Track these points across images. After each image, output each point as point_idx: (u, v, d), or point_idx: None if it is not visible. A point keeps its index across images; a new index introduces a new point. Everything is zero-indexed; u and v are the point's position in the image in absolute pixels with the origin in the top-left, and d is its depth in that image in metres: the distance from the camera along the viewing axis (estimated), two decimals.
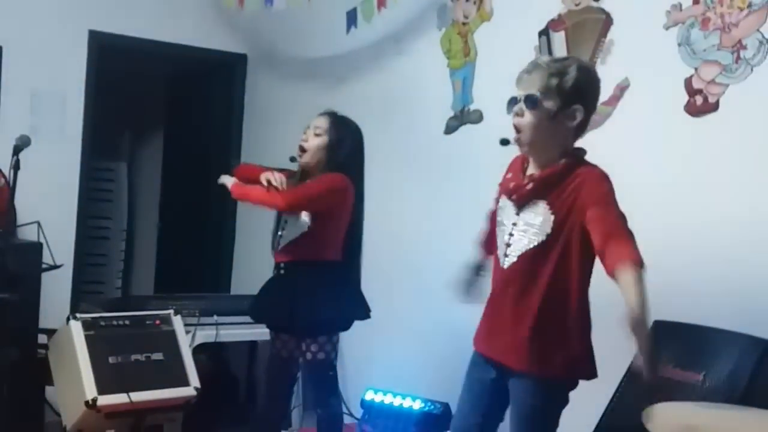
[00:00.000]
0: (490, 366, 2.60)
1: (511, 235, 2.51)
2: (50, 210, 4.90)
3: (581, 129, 2.49)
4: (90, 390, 3.79)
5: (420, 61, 4.53)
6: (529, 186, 2.46)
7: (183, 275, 6.37)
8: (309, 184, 3.47)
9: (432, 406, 3.97)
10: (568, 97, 2.40)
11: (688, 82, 3.29)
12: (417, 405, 4.02)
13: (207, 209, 6.21)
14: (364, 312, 3.60)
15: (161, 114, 7.16)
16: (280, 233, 3.53)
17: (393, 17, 4.60)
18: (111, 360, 3.93)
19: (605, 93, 3.52)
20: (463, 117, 4.26)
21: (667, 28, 3.37)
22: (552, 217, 2.42)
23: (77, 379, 3.84)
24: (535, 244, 2.45)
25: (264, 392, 3.66)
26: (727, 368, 2.94)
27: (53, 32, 5.36)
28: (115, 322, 4.08)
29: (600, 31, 3.60)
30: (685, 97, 3.30)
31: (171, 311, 4.22)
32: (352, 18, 4.70)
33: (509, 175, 2.59)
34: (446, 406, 3.94)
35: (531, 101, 2.41)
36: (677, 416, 2.26)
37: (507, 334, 2.52)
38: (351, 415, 4.47)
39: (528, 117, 2.42)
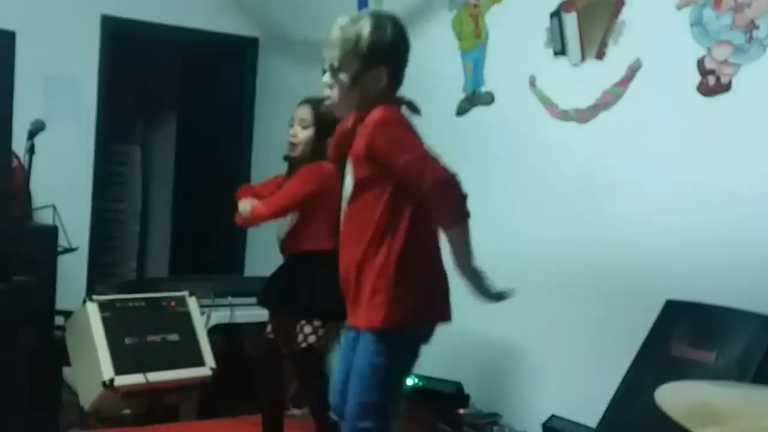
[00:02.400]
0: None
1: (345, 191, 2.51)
2: (65, 194, 4.91)
3: (395, 84, 2.45)
4: (107, 370, 3.84)
5: (431, 43, 4.50)
6: (334, 142, 2.52)
7: (197, 257, 6.39)
8: (287, 185, 3.45)
9: (444, 385, 3.98)
10: (366, 59, 2.36)
11: (700, 63, 3.28)
12: (429, 385, 4.03)
13: (219, 192, 6.22)
14: None
15: (174, 98, 7.17)
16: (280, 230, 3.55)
17: None
18: (127, 341, 3.98)
19: (618, 74, 3.55)
20: (474, 99, 4.26)
21: (679, 8, 3.35)
22: (351, 167, 2.42)
23: (94, 360, 3.89)
24: (347, 196, 2.45)
25: (258, 377, 3.65)
26: (739, 347, 2.94)
27: (66, 18, 5.37)
28: (130, 304, 4.14)
29: (612, 12, 3.59)
30: (698, 78, 3.29)
31: (186, 293, 4.25)
32: (363, 0, 4.68)
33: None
34: (459, 385, 3.96)
35: (331, 71, 2.39)
36: (690, 395, 2.26)
37: (349, 292, 2.50)
38: None
39: (335, 87, 2.40)
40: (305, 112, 3.50)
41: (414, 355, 2.49)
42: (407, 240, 2.37)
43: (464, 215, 2.33)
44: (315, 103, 3.49)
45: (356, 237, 2.42)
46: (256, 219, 3.47)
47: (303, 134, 3.48)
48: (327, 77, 2.41)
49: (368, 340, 2.41)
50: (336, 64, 2.37)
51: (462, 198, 2.33)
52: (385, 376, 2.42)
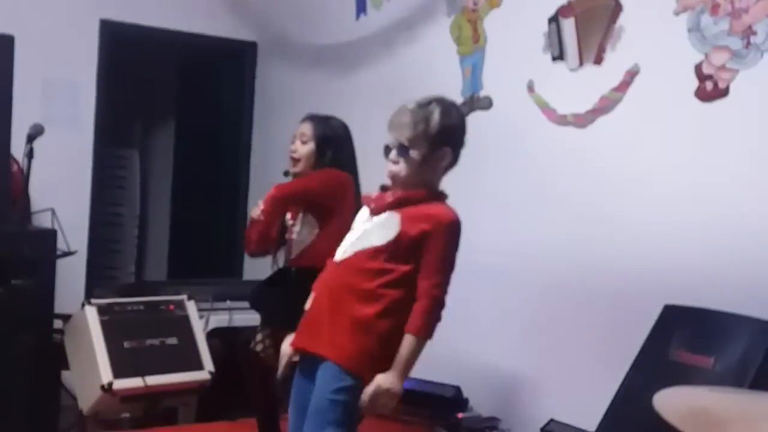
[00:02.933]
0: (307, 362, 2.62)
1: (358, 238, 2.63)
2: (64, 197, 4.90)
3: (451, 165, 2.65)
4: (106, 374, 3.83)
5: (429, 48, 4.52)
6: (390, 199, 2.62)
7: (196, 260, 6.38)
8: (303, 178, 3.47)
9: (443, 389, 3.98)
10: (435, 141, 2.57)
11: (698, 68, 3.29)
12: (428, 389, 4.03)
13: (218, 195, 6.23)
14: None
15: (172, 102, 7.15)
16: (292, 237, 3.50)
17: (402, 4, 4.61)
18: (126, 345, 3.97)
19: (615, 79, 3.56)
20: (472, 103, 4.26)
21: (677, 13, 3.37)
22: (398, 229, 2.55)
23: (93, 364, 3.88)
24: (375, 244, 2.56)
25: (246, 384, 3.64)
26: (738, 352, 2.95)
27: (64, 22, 5.34)
28: (129, 308, 4.13)
29: (610, 18, 3.60)
30: (696, 83, 3.30)
31: (184, 296, 4.25)
32: (361, 5, 4.69)
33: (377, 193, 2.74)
34: (458, 390, 3.96)
35: (401, 151, 2.58)
36: (688, 400, 2.26)
37: (324, 324, 2.59)
38: None
39: (402, 164, 2.59)
40: (306, 128, 3.51)
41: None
42: (405, 308, 2.53)
43: (430, 334, 2.52)
44: (315, 120, 3.53)
45: (361, 276, 2.56)
46: (268, 201, 3.42)
47: (303, 149, 3.49)
48: (394, 154, 2.60)
49: (334, 374, 2.51)
50: (406, 143, 2.57)
51: (438, 321, 2.53)
52: (346, 415, 2.51)
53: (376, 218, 2.62)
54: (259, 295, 3.65)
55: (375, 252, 2.55)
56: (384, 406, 2.48)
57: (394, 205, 2.59)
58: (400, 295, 2.53)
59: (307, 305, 2.68)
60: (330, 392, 2.50)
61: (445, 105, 2.64)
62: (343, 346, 2.52)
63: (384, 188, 2.69)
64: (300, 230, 3.48)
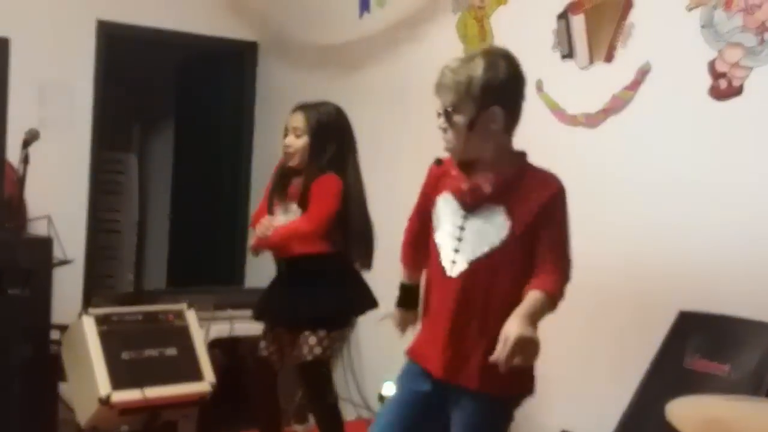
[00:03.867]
0: (427, 379, 2.46)
1: (459, 240, 2.40)
2: (60, 204, 4.88)
3: (511, 126, 2.41)
4: (104, 386, 3.79)
5: (435, 46, 4.46)
6: (488, 189, 2.38)
7: (196, 268, 6.33)
8: (317, 201, 3.36)
9: None
10: (481, 101, 2.32)
11: (711, 65, 3.23)
12: None
13: (219, 201, 6.17)
14: (367, 305, 3.53)
15: (171, 104, 7.12)
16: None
17: (406, 1, 4.55)
18: (124, 356, 3.93)
19: (627, 77, 3.48)
20: None
21: (689, 9, 3.30)
22: (508, 224, 2.35)
23: (90, 376, 3.84)
24: (488, 250, 2.36)
25: (251, 394, 3.60)
26: (753, 360, 2.90)
27: (61, 23, 5.31)
28: (127, 317, 4.09)
29: (620, 14, 3.54)
30: (709, 81, 3.24)
31: (184, 306, 4.21)
32: (364, 3, 4.66)
33: (450, 177, 2.47)
34: None
35: (446, 115, 2.37)
36: (701, 410, 2.22)
37: (455, 348, 2.39)
38: (369, 409, 4.43)
39: (449, 132, 2.38)
40: (298, 120, 3.46)
41: None
42: None
43: (557, 304, 2.38)
44: (307, 110, 3.47)
45: (495, 297, 2.37)
46: (299, 236, 3.36)
47: (298, 143, 3.44)
48: (442, 121, 2.38)
49: (492, 407, 2.42)
50: (450, 108, 2.34)
51: (563, 295, 2.41)
52: None
53: (474, 218, 2.38)
54: (261, 304, 3.60)
55: (488, 260, 2.35)
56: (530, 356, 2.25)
57: (497, 195, 2.35)
58: (511, 286, 2.34)
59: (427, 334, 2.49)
60: (479, 418, 2.44)
61: (491, 57, 2.35)
62: (486, 373, 2.34)
63: (439, 161, 2.49)
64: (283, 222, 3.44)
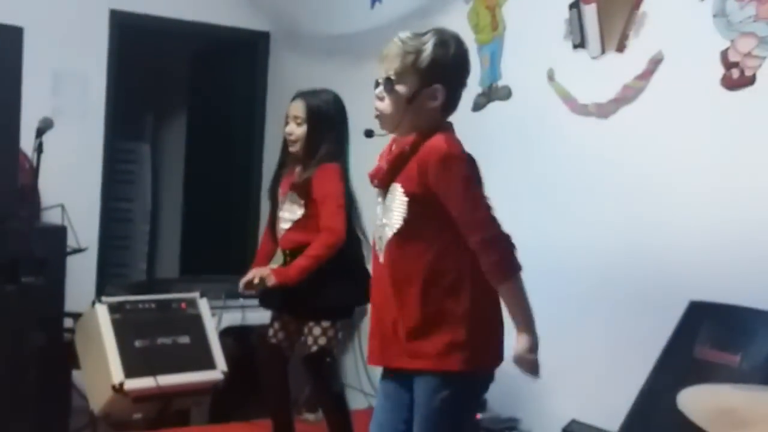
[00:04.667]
0: (391, 375, 2.46)
1: (381, 225, 2.40)
2: (74, 193, 4.87)
3: (449, 106, 2.39)
4: (117, 374, 3.82)
5: None
6: (384, 168, 2.38)
7: (208, 257, 6.33)
8: (329, 203, 3.37)
9: None
10: (425, 76, 2.31)
11: (724, 55, 3.20)
12: None
13: (231, 190, 6.17)
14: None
15: (184, 94, 7.12)
16: (282, 223, 3.50)
17: None
18: (137, 344, 3.96)
19: (639, 67, 3.46)
20: (491, 93, 4.18)
21: None
22: (406, 199, 2.32)
23: (104, 363, 3.86)
24: (395, 229, 2.34)
25: (261, 381, 3.59)
26: (765, 350, 2.88)
27: (74, 12, 5.31)
28: (140, 306, 4.12)
29: (633, 3, 3.51)
30: (721, 71, 3.21)
31: (197, 294, 4.23)
32: None
33: (377, 163, 2.47)
34: None
35: (387, 84, 2.34)
36: (713, 399, 2.21)
37: (390, 334, 2.38)
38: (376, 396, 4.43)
39: (387, 100, 2.35)
40: (298, 109, 3.48)
41: (477, 401, 2.52)
42: (477, 281, 2.32)
43: (515, 274, 2.30)
44: (307, 97, 3.50)
45: (409, 275, 2.34)
46: (330, 251, 3.33)
47: (299, 131, 3.47)
48: (380, 90, 2.36)
49: (435, 385, 2.33)
50: (393, 77, 2.33)
51: (510, 254, 2.30)
52: (454, 423, 2.37)
53: (386, 200, 2.37)
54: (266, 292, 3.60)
55: (398, 239, 2.32)
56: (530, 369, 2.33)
57: (394, 171, 2.33)
58: (424, 262, 2.31)
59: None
60: (425, 397, 2.37)
61: (443, 36, 2.35)
62: (440, 352, 2.33)
63: (369, 133, 2.47)
64: (284, 214, 3.47)
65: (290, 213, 3.47)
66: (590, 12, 3.69)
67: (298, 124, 3.45)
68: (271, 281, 3.35)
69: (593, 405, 3.51)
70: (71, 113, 5.20)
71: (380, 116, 2.39)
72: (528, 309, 2.32)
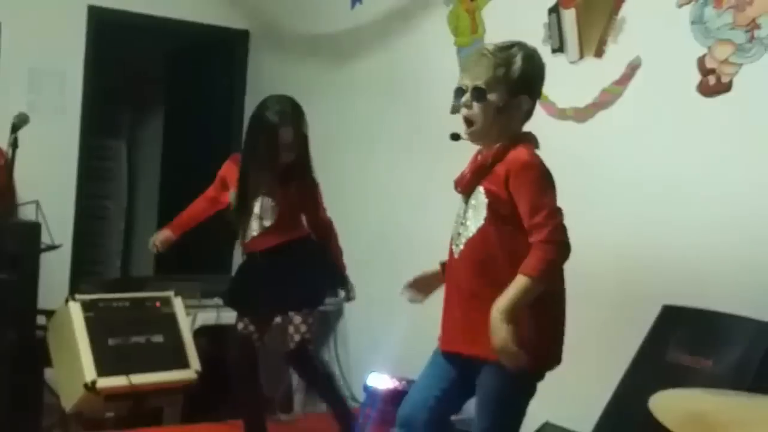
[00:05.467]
0: (455, 363, 2.56)
1: (462, 224, 2.54)
2: (49, 189, 4.85)
3: (528, 115, 2.56)
4: (89, 372, 3.80)
5: (426, 39, 4.46)
6: (468, 174, 2.53)
7: (184, 256, 6.28)
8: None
9: None
10: (514, 87, 2.46)
11: (700, 62, 3.23)
12: None
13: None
14: (339, 282, 3.68)
15: (161, 91, 7.09)
16: (259, 221, 3.52)
17: None
18: (110, 342, 3.94)
19: (616, 72, 3.49)
20: None
21: (680, 5, 3.30)
22: (486, 201, 2.46)
23: (76, 361, 3.84)
24: (475, 229, 2.48)
25: (233, 376, 3.61)
26: (736, 354, 2.91)
27: (52, 8, 5.27)
28: (114, 304, 4.10)
29: (611, 9, 3.54)
30: (698, 77, 3.24)
31: (171, 293, 4.21)
32: None
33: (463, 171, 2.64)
34: None
35: (478, 94, 2.45)
36: (684, 403, 2.21)
37: (463, 322, 2.51)
38: (354, 399, 4.43)
39: (476, 109, 2.47)
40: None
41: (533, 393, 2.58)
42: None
43: (547, 278, 2.39)
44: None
45: (486, 272, 2.46)
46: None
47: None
48: (467, 98, 2.47)
49: (504, 375, 2.42)
50: (483, 86, 2.44)
51: (554, 264, 2.41)
52: (515, 414, 2.55)
53: (470, 202, 2.51)
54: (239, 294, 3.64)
55: (478, 238, 2.46)
56: (511, 361, 2.36)
57: (476, 178, 2.48)
58: (500, 261, 2.44)
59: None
60: (493, 383, 2.49)
61: (528, 50, 2.51)
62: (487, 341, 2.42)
63: (455, 136, 2.56)
64: (263, 212, 3.53)
65: (268, 215, 3.51)
66: (569, 17, 3.71)
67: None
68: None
69: (567, 407, 3.50)
70: (47, 109, 5.16)
71: (470, 123, 2.50)
72: (521, 307, 2.37)
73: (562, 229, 2.41)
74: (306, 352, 3.53)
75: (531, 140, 2.54)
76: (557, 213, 2.42)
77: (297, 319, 3.47)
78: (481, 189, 2.47)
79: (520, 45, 2.51)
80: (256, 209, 3.51)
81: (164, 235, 3.76)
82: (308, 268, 3.50)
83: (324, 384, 3.69)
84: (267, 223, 3.49)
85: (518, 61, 2.45)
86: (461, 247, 2.51)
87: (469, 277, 2.49)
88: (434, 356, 2.64)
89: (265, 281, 3.49)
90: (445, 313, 2.59)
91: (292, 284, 3.44)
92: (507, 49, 2.48)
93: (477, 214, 2.47)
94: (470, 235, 2.48)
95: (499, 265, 2.44)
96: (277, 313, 3.54)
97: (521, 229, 2.41)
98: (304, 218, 3.57)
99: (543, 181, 2.45)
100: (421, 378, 2.66)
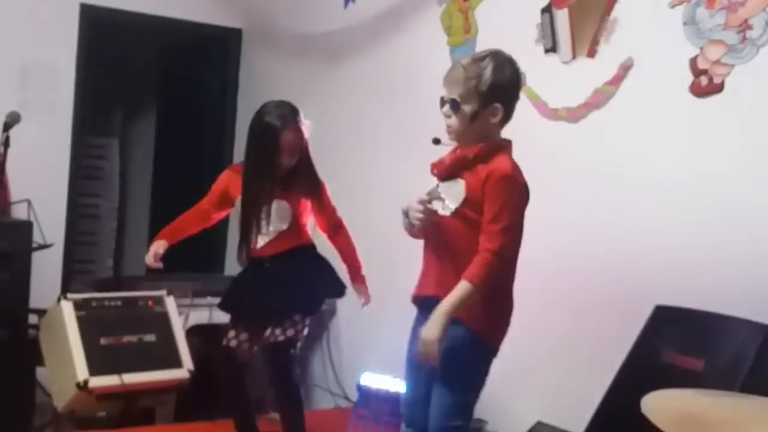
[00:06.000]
0: (424, 313, 2.72)
1: (436, 200, 2.77)
2: (40, 188, 4.84)
3: (506, 120, 2.75)
4: (81, 371, 3.79)
5: (420, 38, 4.46)
6: (447, 162, 2.75)
7: (176, 255, 6.27)
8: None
9: None
10: (486, 97, 2.66)
11: (693, 63, 3.23)
12: None
13: (200, 188, 6.12)
14: (339, 288, 3.63)
15: (154, 90, 7.08)
16: (268, 227, 3.48)
17: None
18: (102, 341, 3.94)
19: (609, 73, 3.49)
20: None
21: (672, 6, 3.30)
22: (464, 195, 2.69)
23: (68, 361, 3.83)
24: (451, 210, 2.71)
25: (219, 383, 3.60)
26: (728, 355, 2.91)
27: (44, 6, 5.26)
28: (106, 303, 4.10)
29: (604, 9, 3.54)
30: (690, 78, 3.24)
31: (164, 292, 4.21)
32: None
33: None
34: None
35: (453, 106, 2.69)
36: (676, 403, 2.22)
37: (435, 272, 2.77)
38: (347, 398, 4.44)
39: (454, 118, 2.71)
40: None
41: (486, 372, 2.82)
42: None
43: (486, 287, 2.61)
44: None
45: (464, 250, 2.66)
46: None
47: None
48: (447, 109, 2.72)
49: (465, 335, 2.66)
50: (458, 99, 2.67)
51: (495, 278, 2.63)
52: (473, 378, 2.77)
53: (443, 185, 2.73)
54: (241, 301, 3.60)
55: (453, 216, 2.69)
56: (425, 355, 2.58)
57: (454, 168, 2.70)
58: (468, 240, 2.66)
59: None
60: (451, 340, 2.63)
61: (499, 61, 2.69)
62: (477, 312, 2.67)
63: (436, 141, 2.80)
64: (275, 218, 3.48)
65: (280, 220, 3.48)
66: (562, 17, 3.71)
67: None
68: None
69: (559, 407, 3.53)
70: (39, 108, 5.15)
71: (449, 130, 2.75)
72: (456, 312, 2.58)
73: (512, 248, 2.68)
74: (286, 352, 3.47)
75: (508, 146, 2.77)
76: (513, 232, 2.66)
77: (287, 322, 3.44)
78: (461, 181, 2.70)
79: (493, 55, 2.71)
80: (272, 214, 3.47)
81: (157, 245, 3.78)
82: (313, 274, 3.50)
83: (285, 394, 3.58)
84: (284, 226, 3.47)
85: (488, 73, 2.65)
86: (448, 211, 2.71)
87: (448, 245, 2.73)
88: (409, 351, 2.82)
89: (270, 286, 3.47)
90: (425, 265, 2.83)
91: (297, 289, 3.44)
92: (479, 61, 2.69)
93: (452, 198, 2.70)
94: (444, 213, 2.72)
95: (461, 251, 2.67)
96: (277, 319, 3.48)
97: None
98: (312, 221, 3.56)
99: (517, 198, 2.68)
100: (408, 374, 2.87)
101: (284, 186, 3.46)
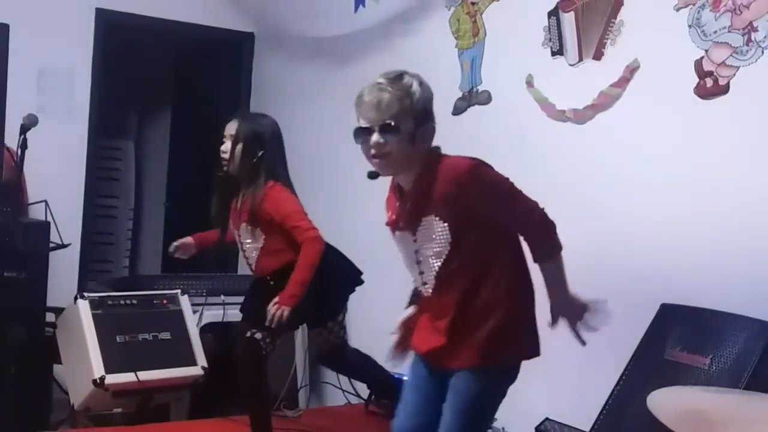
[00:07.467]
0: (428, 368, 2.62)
1: (419, 262, 2.52)
2: (58, 189, 4.88)
3: (432, 136, 2.52)
4: (98, 369, 3.83)
5: (428, 41, 4.48)
6: (408, 207, 2.48)
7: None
8: (293, 217, 3.45)
9: None
10: (419, 114, 2.43)
11: (698, 64, 3.25)
12: None
13: (214, 189, 6.17)
14: (355, 280, 3.69)
15: (168, 92, 7.12)
16: (252, 254, 3.55)
17: None
18: (119, 339, 3.97)
19: (615, 75, 3.52)
20: (471, 98, 4.23)
21: (677, 9, 3.32)
22: (445, 224, 2.43)
23: (85, 358, 3.87)
24: (444, 257, 2.46)
25: (239, 375, 3.61)
26: (734, 352, 2.92)
27: (60, 10, 5.32)
28: (122, 302, 4.13)
29: (610, 12, 3.56)
30: (695, 80, 3.26)
31: (178, 291, 4.24)
32: None
33: (389, 213, 2.59)
34: None
35: (391, 128, 2.40)
36: (682, 401, 2.25)
37: (434, 336, 2.55)
38: (358, 396, 4.46)
39: (394, 143, 2.41)
40: (232, 127, 3.61)
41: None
42: (517, 274, 2.54)
43: (559, 246, 2.51)
44: (243, 118, 3.65)
45: (463, 278, 2.48)
46: (316, 259, 3.41)
47: (233, 149, 3.56)
48: (377, 136, 2.41)
49: (474, 378, 2.50)
50: (393, 122, 2.40)
51: (555, 229, 2.51)
52: (488, 410, 2.64)
53: (419, 235, 2.47)
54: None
55: (446, 264, 2.46)
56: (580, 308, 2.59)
57: (419, 208, 2.44)
58: (473, 272, 2.46)
59: None
60: (477, 395, 2.58)
61: (417, 77, 2.47)
62: (484, 347, 2.54)
63: (372, 175, 2.53)
64: (250, 244, 3.54)
65: (253, 241, 3.51)
66: (568, 20, 3.74)
67: (234, 143, 3.53)
68: (286, 311, 3.35)
69: (567, 404, 3.53)
70: (56, 110, 5.20)
71: (385, 159, 2.44)
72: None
73: (536, 206, 2.51)
74: (338, 354, 3.68)
75: (439, 151, 2.52)
76: (532, 201, 2.50)
77: (324, 332, 3.64)
78: (431, 218, 2.44)
79: (407, 73, 2.47)
80: (241, 234, 3.56)
81: (187, 241, 3.88)
82: (326, 281, 3.45)
83: (362, 372, 3.85)
84: (253, 249, 3.53)
85: (417, 90, 2.43)
86: (432, 282, 2.51)
87: (454, 301, 2.49)
88: (412, 375, 2.67)
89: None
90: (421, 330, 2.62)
91: (314, 301, 3.43)
92: (399, 80, 2.43)
93: (435, 245, 2.46)
94: (437, 268, 2.48)
95: (486, 276, 2.47)
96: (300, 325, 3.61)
97: (488, 228, 2.46)
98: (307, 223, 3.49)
99: (502, 177, 2.48)
100: (407, 401, 2.67)
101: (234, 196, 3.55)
